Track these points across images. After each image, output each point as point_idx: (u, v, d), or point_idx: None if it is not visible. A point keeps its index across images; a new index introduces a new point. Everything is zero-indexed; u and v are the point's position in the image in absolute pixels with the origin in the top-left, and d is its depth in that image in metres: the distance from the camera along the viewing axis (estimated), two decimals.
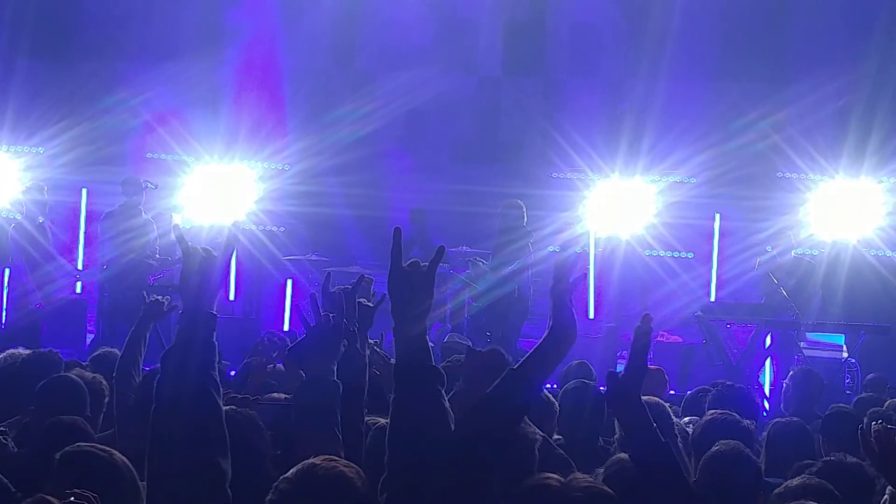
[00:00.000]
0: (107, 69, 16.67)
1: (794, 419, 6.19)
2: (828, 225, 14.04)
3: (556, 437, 5.62)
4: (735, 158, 15.52)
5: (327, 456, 3.07)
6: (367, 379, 6.02)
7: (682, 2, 16.14)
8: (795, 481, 4.40)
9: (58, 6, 17.16)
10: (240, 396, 4.98)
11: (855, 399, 8.29)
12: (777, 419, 6.19)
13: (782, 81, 16.10)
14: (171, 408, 2.99)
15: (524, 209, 13.09)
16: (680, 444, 5.25)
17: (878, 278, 13.82)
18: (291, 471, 2.99)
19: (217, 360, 3.11)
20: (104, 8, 17.15)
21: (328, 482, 2.91)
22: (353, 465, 3.06)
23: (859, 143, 14.73)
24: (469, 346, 6.36)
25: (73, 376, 5.51)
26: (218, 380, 3.08)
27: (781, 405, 8.20)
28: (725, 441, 4.78)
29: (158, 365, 4.91)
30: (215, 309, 3.17)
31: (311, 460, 3.00)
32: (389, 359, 6.24)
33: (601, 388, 6.44)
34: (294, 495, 2.89)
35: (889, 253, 14.31)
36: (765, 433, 5.96)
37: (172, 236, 3.29)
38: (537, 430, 4.50)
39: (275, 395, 5.65)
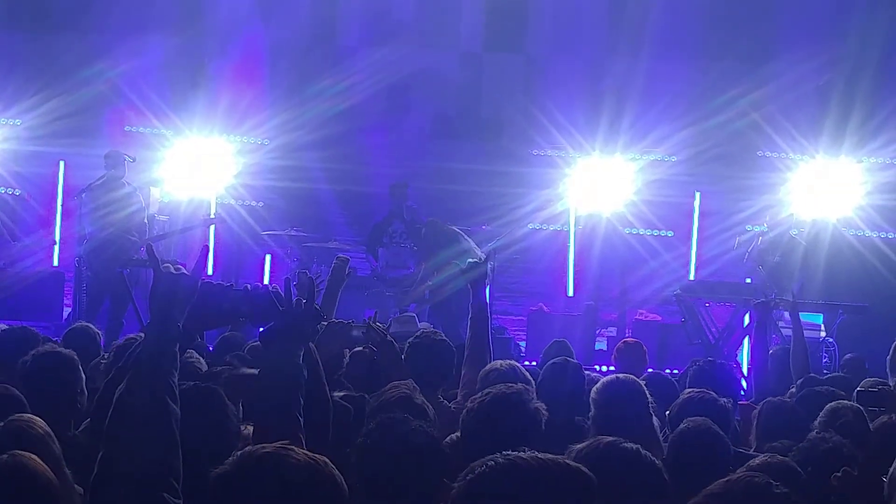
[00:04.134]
0: (84, 41, 16.52)
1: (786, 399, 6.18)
2: (808, 205, 14.06)
3: None
4: (715, 136, 15.54)
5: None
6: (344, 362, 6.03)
7: None
8: (757, 460, 4.40)
9: None
10: (204, 371, 4.96)
11: (824, 378, 8.29)
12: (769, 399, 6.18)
13: (762, 59, 16.10)
14: (129, 408, 3.15)
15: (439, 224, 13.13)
16: (656, 423, 5.25)
17: (857, 258, 13.86)
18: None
19: (178, 365, 3.27)
20: None
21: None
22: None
23: (839, 123, 14.75)
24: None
25: (66, 351, 5.42)
26: (175, 386, 3.22)
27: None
28: (693, 418, 4.79)
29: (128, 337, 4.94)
30: (182, 322, 3.35)
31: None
32: (387, 335, 6.23)
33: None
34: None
35: (868, 233, 14.35)
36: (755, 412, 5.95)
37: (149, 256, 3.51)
38: (543, 406, 4.52)
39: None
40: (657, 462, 3.74)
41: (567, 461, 2.88)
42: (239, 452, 2.93)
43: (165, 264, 3.44)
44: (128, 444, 3.08)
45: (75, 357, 5.26)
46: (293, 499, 2.81)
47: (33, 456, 3.46)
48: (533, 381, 5.75)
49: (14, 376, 5.44)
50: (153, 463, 3.06)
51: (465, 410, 4.53)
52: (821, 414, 5.41)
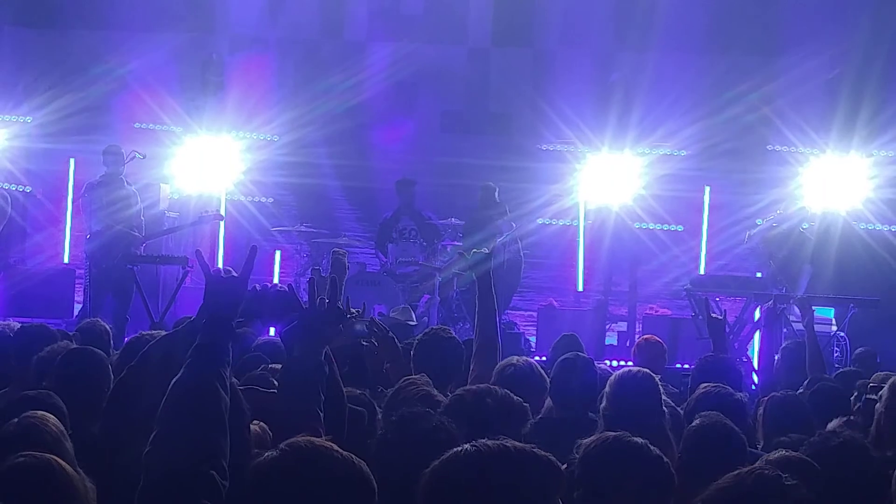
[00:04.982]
0: (95, 38, 16.55)
1: (790, 392, 6.18)
2: (817, 199, 14.03)
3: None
4: (725, 131, 15.50)
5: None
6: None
7: None
8: (774, 455, 4.40)
9: None
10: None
11: (836, 373, 8.27)
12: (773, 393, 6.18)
13: (772, 53, 16.06)
14: (185, 393, 3.28)
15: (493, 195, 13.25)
16: (668, 419, 5.25)
17: (868, 251, 13.82)
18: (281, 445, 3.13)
19: (230, 360, 3.42)
20: None
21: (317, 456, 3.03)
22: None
23: (849, 117, 14.70)
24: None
25: (95, 349, 5.42)
26: (226, 376, 3.36)
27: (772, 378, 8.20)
28: (706, 413, 4.78)
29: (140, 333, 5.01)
30: (234, 321, 3.51)
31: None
32: (388, 331, 6.24)
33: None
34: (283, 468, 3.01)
35: (879, 226, 14.31)
36: (761, 408, 5.95)
37: (197, 259, 3.83)
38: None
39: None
40: (664, 457, 3.75)
41: (534, 449, 2.93)
42: (284, 443, 3.06)
43: (216, 269, 3.59)
44: (180, 424, 3.19)
45: (105, 357, 5.27)
46: (330, 492, 2.93)
47: (53, 456, 3.47)
48: (548, 379, 5.74)
49: (31, 373, 5.47)
50: (203, 442, 3.16)
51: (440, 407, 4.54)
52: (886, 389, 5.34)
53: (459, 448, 2.90)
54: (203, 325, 3.46)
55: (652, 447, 3.72)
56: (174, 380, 3.32)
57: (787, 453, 4.36)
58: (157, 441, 3.19)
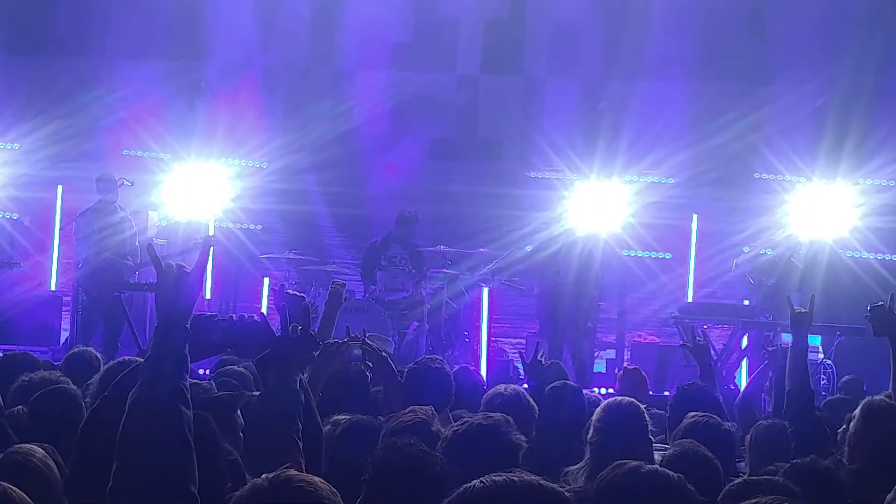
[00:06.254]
0: (83, 65, 16.56)
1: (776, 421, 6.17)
2: (804, 227, 14.06)
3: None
4: (713, 158, 15.53)
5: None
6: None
7: (661, 1, 16.14)
8: (753, 479, 4.39)
9: (33, 0, 17.00)
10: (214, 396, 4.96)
11: (824, 401, 8.28)
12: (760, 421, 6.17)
13: (760, 81, 16.12)
14: (141, 414, 3.13)
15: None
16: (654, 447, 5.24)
17: (855, 280, 13.85)
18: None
19: (188, 370, 3.25)
20: (80, 2, 17.03)
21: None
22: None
23: (835, 145, 14.75)
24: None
25: (71, 388, 5.33)
26: (187, 389, 3.20)
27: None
28: (681, 441, 4.78)
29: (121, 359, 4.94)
30: (189, 322, 3.29)
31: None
32: (381, 352, 6.23)
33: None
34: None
35: (865, 254, 14.35)
36: (749, 435, 5.95)
37: (147, 254, 3.48)
38: (522, 438, 4.50)
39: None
40: (682, 477, 3.74)
41: (542, 482, 2.83)
42: (262, 477, 2.90)
43: (168, 263, 3.36)
44: (141, 453, 3.07)
45: (79, 392, 5.18)
46: None
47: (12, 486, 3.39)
48: (536, 407, 5.73)
49: (7, 402, 5.41)
50: (168, 471, 3.06)
51: (440, 440, 4.50)
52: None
53: (469, 485, 2.83)
54: (154, 334, 3.27)
55: (671, 473, 3.67)
56: (129, 401, 3.15)
57: (747, 479, 4.36)
58: (118, 476, 3.07)
